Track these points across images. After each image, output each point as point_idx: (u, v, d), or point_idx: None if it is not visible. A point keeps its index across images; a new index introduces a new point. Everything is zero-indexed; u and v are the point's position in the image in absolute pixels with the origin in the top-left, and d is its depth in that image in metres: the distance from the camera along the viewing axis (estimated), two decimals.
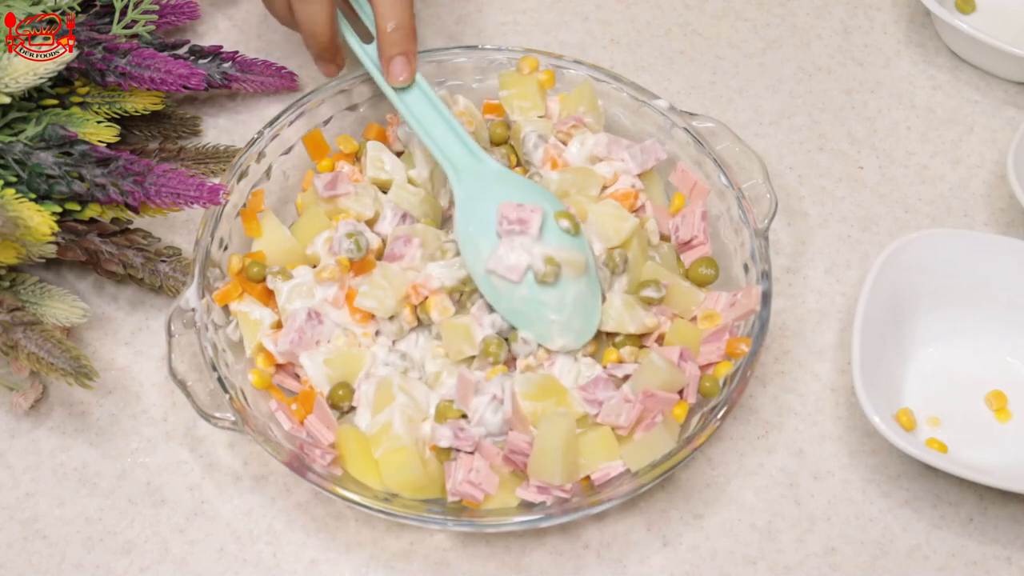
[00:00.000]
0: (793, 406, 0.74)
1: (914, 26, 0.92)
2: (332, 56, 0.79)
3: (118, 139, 0.74)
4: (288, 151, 0.78)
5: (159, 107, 0.79)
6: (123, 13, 0.78)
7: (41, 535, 0.69)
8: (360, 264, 0.72)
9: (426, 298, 0.71)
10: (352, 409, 0.70)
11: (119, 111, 0.77)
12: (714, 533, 0.70)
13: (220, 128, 0.85)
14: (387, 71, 0.75)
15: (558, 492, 0.65)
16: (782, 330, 0.77)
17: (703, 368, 0.70)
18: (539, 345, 0.70)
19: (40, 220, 0.67)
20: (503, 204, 0.70)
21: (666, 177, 0.78)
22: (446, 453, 0.67)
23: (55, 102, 0.74)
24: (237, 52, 0.84)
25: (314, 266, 0.73)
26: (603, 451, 0.67)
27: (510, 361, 0.71)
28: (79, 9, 0.77)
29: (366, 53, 0.76)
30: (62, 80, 0.75)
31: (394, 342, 0.72)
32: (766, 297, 0.70)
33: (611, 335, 0.72)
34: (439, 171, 0.76)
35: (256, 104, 0.86)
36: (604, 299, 0.72)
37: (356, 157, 0.78)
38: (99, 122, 0.74)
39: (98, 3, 0.80)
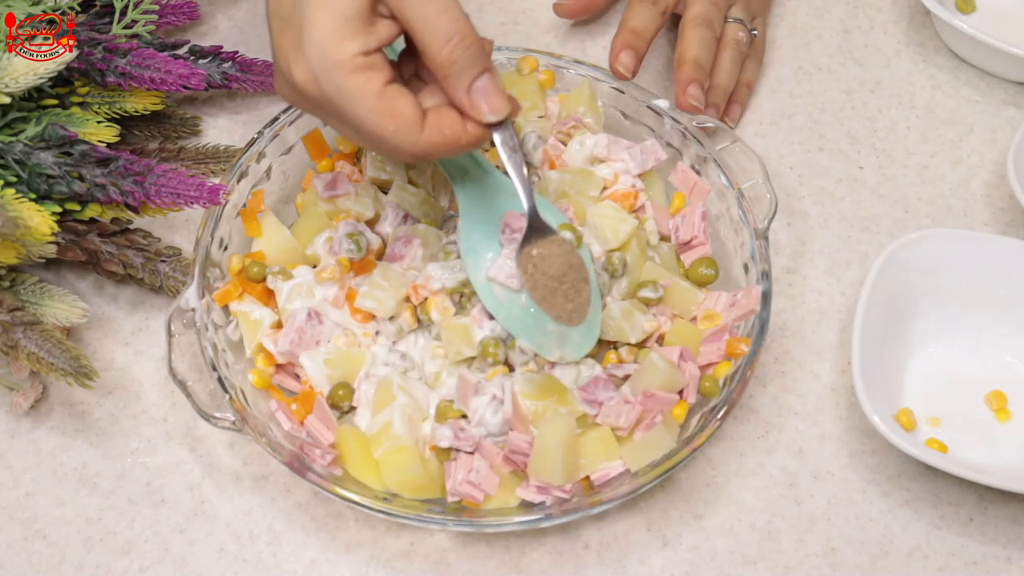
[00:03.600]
0: (793, 406, 0.74)
1: (914, 26, 0.92)
2: None
3: (118, 139, 0.74)
4: (288, 151, 0.77)
5: (159, 107, 0.79)
6: (123, 13, 0.78)
7: (41, 535, 0.69)
8: (360, 264, 0.72)
9: (426, 299, 0.71)
10: (352, 409, 0.70)
11: (119, 111, 0.77)
12: (714, 533, 0.70)
13: (220, 128, 0.85)
14: (470, 104, 0.60)
15: (558, 492, 0.65)
16: (782, 330, 0.77)
17: (703, 368, 0.70)
18: (535, 355, 0.70)
19: (40, 220, 0.67)
20: (507, 213, 0.70)
21: (666, 177, 0.78)
22: (446, 453, 0.67)
23: (55, 102, 0.74)
24: (237, 52, 0.84)
25: (314, 266, 0.73)
26: (603, 451, 0.67)
27: None
28: (79, 9, 0.77)
29: None
30: (62, 80, 0.75)
31: (394, 342, 0.72)
32: (766, 297, 0.70)
33: (611, 342, 0.72)
34: (439, 171, 0.76)
35: (256, 104, 0.86)
36: (604, 306, 0.72)
37: (356, 157, 0.78)
38: (99, 122, 0.74)
39: (98, 3, 0.80)
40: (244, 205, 0.74)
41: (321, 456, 0.66)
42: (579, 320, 0.65)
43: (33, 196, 0.69)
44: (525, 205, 0.66)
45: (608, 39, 0.81)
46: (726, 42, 0.84)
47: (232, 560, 0.68)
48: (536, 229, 0.66)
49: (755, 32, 0.86)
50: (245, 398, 0.68)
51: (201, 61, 0.82)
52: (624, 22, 0.81)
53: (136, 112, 0.77)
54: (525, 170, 0.65)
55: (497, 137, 0.63)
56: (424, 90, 0.62)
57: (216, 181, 0.71)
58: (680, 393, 0.69)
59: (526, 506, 0.66)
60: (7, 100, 0.69)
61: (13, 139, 0.70)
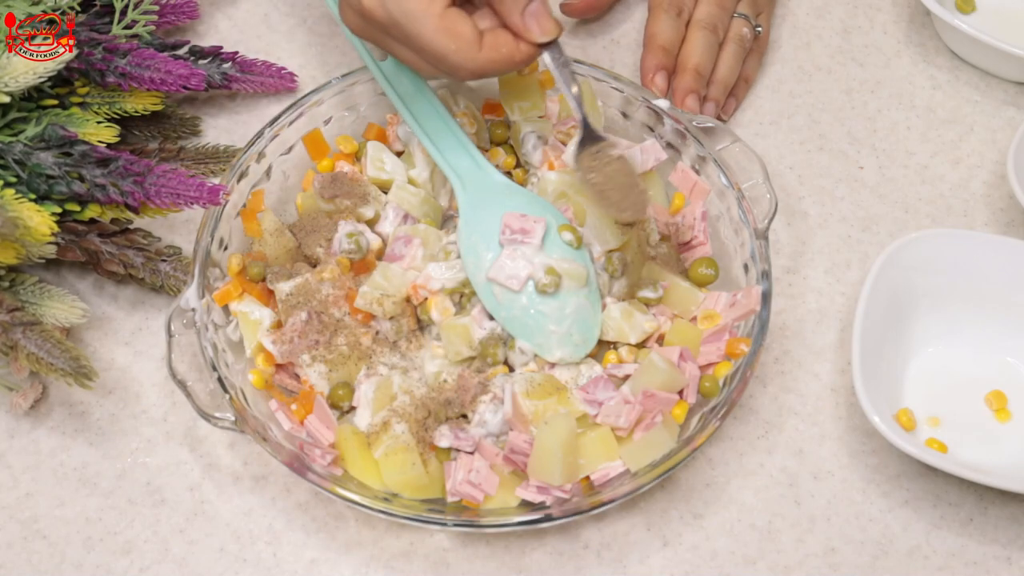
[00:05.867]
0: (793, 406, 0.74)
1: (914, 26, 0.92)
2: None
3: (118, 139, 0.74)
4: (288, 151, 0.77)
5: (159, 107, 0.79)
6: (123, 13, 0.78)
7: (41, 535, 0.69)
8: (360, 264, 0.72)
9: (426, 299, 0.71)
10: (352, 409, 0.70)
11: (119, 111, 0.77)
12: (714, 533, 0.70)
13: (220, 128, 0.85)
14: (523, 26, 0.65)
15: (558, 492, 0.65)
16: (782, 330, 0.77)
17: (703, 368, 0.70)
18: (535, 356, 0.70)
19: (40, 220, 0.67)
20: (507, 214, 0.70)
21: (666, 177, 0.78)
22: (446, 453, 0.67)
23: (55, 102, 0.74)
24: (237, 52, 0.84)
25: (314, 266, 0.73)
26: (603, 451, 0.67)
27: None
28: (79, 9, 0.77)
29: (380, 70, 0.76)
30: (62, 80, 0.75)
31: (394, 342, 0.72)
32: (766, 297, 0.70)
33: (611, 342, 0.72)
34: (439, 171, 0.76)
35: (256, 104, 0.86)
36: (604, 306, 0.71)
37: (356, 157, 0.78)
38: (99, 122, 0.74)
39: (98, 3, 0.80)
40: (244, 205, 0.74)
41: (321, 456, 0.66)
42: (641, 211, 0.70)
43: (33, 196, 0.69)
44: (578, 115, 0.70)
45: (609, 39, 0.81)
46: (729, 38, 0.84)
47: (232, 560, 0.68)
48: (590, 137, 0.70)
49: (759, 28, 0.86)
50: (245, 398, 0.68)
51: (201, 61, 0.82)
52: (652, 37, 0.81)
53: (136, 112, 0.77)
54: (576, 85, 0.69)
55: (547, 56, 0.68)
56: (476, 13, 0.67)
57: (216, 181, 0.71)
58: (680, 393, 0.69)
59: (526, 506, 0.66)
60: (7, 100, 0.69)
61: (13, 139, 0.70)
